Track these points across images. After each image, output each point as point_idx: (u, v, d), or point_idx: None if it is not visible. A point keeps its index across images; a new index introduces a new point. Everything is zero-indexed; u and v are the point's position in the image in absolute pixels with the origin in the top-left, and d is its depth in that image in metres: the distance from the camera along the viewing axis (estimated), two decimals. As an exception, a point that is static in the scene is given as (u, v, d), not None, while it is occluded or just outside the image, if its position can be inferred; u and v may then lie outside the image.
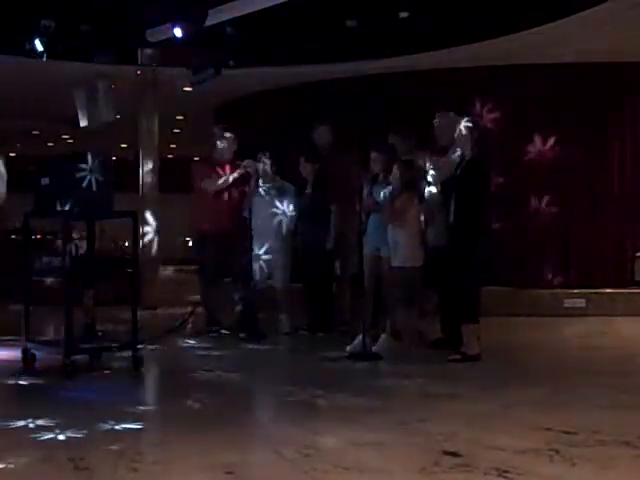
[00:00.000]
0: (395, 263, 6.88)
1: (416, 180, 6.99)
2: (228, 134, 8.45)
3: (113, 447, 3.88)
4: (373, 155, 7.30)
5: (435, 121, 7.37)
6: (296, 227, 8.45)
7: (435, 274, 7.16)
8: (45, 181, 6.22)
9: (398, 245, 6.85)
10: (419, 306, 7.10)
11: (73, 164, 6.09)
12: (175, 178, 20.02)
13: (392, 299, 6.91)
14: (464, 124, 6.74)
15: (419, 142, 7.60)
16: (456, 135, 6.78)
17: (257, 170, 8.22)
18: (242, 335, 7.96)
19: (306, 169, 8.51)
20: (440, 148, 7.21)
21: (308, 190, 8.46)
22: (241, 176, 8.13)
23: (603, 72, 10.57)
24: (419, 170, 7.08)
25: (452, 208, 6.64)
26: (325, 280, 8.47)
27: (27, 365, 6.23)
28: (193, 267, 9.35)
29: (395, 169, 6.98)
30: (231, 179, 8.12)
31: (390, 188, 7.05)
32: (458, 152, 6.80)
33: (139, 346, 6.23)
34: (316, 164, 8.48)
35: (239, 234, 8.21)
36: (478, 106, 10.61)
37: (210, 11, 8.58)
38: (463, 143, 6.72)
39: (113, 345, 6.53)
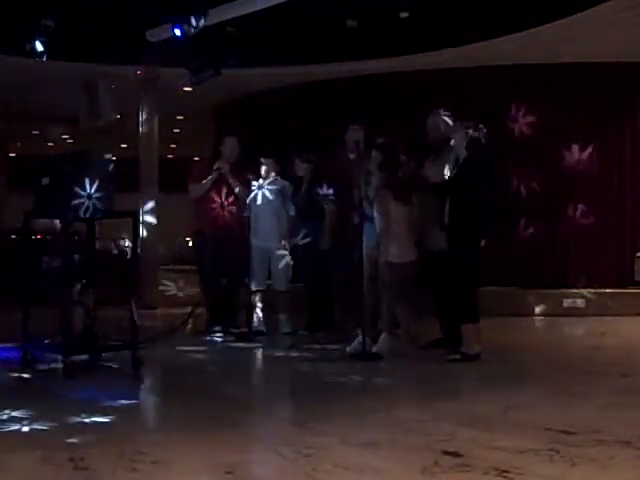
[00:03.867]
0: (385, 259, 6.86)
1: (392, 179, 6.94)
2: (231, 138, 8.47)
3: (113, 447, 3.88)
4: (373, 154, 7.28)
5: (428, 120, 7.34)
6: (293, 227, 8.46)
7: (433, 275, 7.16)
8: (45, 181, 6.21)
9: (386, 242, 6.83)
10: (414, 306, 7.10)
11: (73, 164, 6.09)
12: (175, 178, 20.09)
13: (388, 297, 6.89)
14: (458, 124, 6.74)
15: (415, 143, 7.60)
16: (450, 135, 6.78)
17: (229, 169, 8.22)
18: (243, 335, 7.96)
19: (302, 169, 8.52)
20: (432, 148, 7.21)
21: (303, 189, 8.46)
22: (218, 178, 8.14)
23: (603, 72, 10.57)
24: (401, 168, 7.05)
25: (447, 209, 6.63)
26: (323, 280, 8.46)
27: (27, 365, 6.23)
28: (194, 267, 9.35)
29: (375, 168, 6.97)
30: (205, 187, 8.14)
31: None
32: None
33: (139, 346, 6.23)
34: (311, 164, 8.48)
35: (237, 234, 8.22)
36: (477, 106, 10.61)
37: (210, 11, 8.59)
38: (457, 143, 6.72)
39: (113, 345, 6.53)
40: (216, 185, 8.20)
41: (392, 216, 6.84)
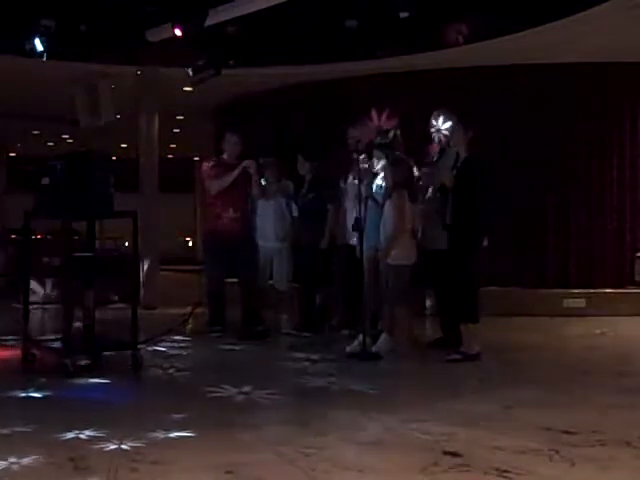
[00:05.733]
0: (387, 260, 6.86)
1: (407, 178, 6.95)
2: (233, 135, 8.46)
3: (113, 447, 3.88)
4: (375, 153, 7.27)
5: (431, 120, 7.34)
6: (295, 226, 8.47)
7: (433, 275, 7.16)
8: (45, 181, 6.22)
9: (395, 242, 6.83)
10: (413, 306, 7.11)
11: (73, 164, 6.10)
12: (175, 178, 20.11)
13: (390, 297, 6.89)
14: (459, 124, 6.75)
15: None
16: (451, 134, 6.79)
17: (258, 170, 8.22)
18: (243, 335, 7.97)
19: (304, 167, 8.52)
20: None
21: (305, 189, 8.46)
22: (240, 176, 8.12)
23: (603, 72, 10.57)
24: (410, 168, 7.06)
25: (449, 208, 6.64)
26: (322, 279, 8.46)
27: (27, 365, 6.23)
28: (200, 267, 9.37)
29: (387, 168, 6.97)
30: (230, 179, 8.11)
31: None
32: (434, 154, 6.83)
33: (139, 346, 6.23)
34: (315, 162, 8.48)
35: (243, 234, 8.21)
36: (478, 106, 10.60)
37: (210, 11, 8.59)
38: (457, 142, 6.72)
39: (113, 345, 6.53)
40: (234, 183, 8.16)
41: (407, 216, 6.84)
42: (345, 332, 7.77)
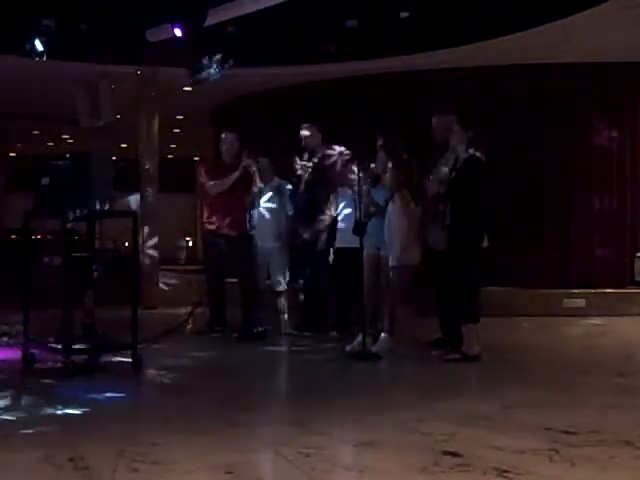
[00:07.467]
0: (392, 262, 6.87)
1: (409, 179, 6.95)
2: (230, 133, 8.46)
3: (113, 447, 3.88)
4: (379, 156, 7.24)
5: (433, 120, 7.36)
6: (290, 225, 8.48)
7: (434, 275, 7.16)
8: (45, 181, 6.22)
9: (395, 244, 6.84)
10: (415, 306, 7.12)
11: (73, 164, 6.10)
12: (175, 178, 20.09)
13: (393, 297, 6.90)
14: (459, 123, 6.75)
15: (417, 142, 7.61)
16: (450, 134, 6.79)
17: (258, 170, 8.21)
18: (243, 335, 7.96)
19: (300, 168, 8.51)
20: (436, 147, 7.21)
21: (302, 189, 8.45)
22: (242, 176, 8.12)
23: (603, 72, 10.58)
24: (412, 169, 7.07)
25: (449, 209, 6.63)
26: (319, 279, 8.44)
27: (27, 365, 6.23)
28: (200, 266, 9.37)
29: (389, 170, 6.97)
30: (231, 182, 8.10)
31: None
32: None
33: (139, 346, 6.23)
34: (310, 162, 8.48)
35: (243, 234, 8.21)
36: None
37: (210, 11, 8.59)
38: (457, 142, 6.72)
39: (113, 345, 6.52)
40: (234, 183, 8.14)
41: (411, 216, 6.84)
42: (333, 334, 7.84)
